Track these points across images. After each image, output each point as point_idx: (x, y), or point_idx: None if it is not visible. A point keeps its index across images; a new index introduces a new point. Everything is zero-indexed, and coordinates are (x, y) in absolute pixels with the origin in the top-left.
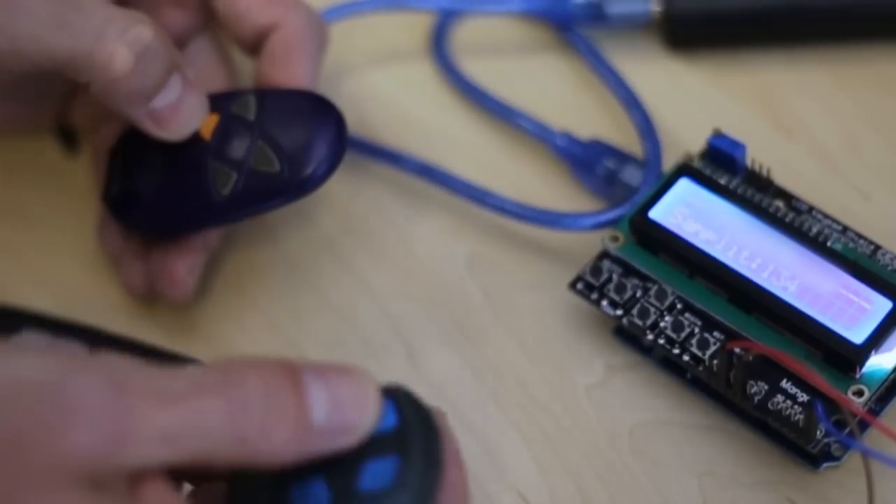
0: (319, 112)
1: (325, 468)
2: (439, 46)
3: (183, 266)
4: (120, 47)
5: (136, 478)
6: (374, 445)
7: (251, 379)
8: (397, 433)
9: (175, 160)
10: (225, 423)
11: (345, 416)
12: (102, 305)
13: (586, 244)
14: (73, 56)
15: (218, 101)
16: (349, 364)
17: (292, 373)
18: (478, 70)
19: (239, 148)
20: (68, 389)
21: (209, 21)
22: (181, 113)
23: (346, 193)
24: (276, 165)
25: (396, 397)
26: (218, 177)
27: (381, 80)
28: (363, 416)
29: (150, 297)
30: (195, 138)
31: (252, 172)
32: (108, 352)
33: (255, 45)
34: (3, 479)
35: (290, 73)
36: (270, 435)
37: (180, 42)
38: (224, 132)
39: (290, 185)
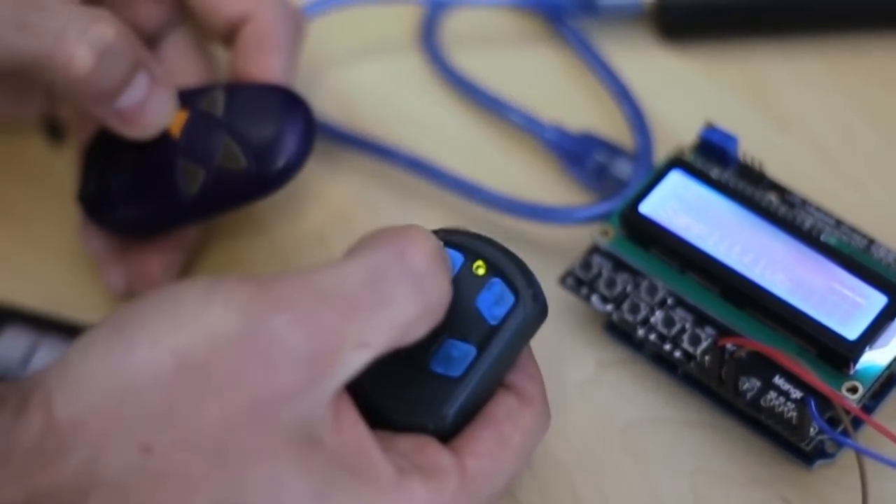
0: (287, 107)
1: (446, 327)
2: (428, 38)
3: (158, 265)
4: (80, 47)
5: (338, 409)
6: (465, 286)
7: (422, 250)
8: (475, 262)
9: (145, 159)
10: (413, 300)
11: (441, 263)
12: (88, 301)
13: (576, 238)
14: (34, 57)
15: (188, 98)
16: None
17: (404, 230)
18: (467, 62)
19: (207, 145)
20: (263, 339)
21: (185, 15)
22: (148, 111)
23: (334, 186)
24: (242, 162)
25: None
26: (186, 175)
27: (369, 73)
28: (446, 259)
29: (131, 297)
30: (164, 136)
31: (219, 170)
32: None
33: (228, 37)
34: (223, 448)
35: (263, 66)
36: (439, 299)
37: (155, 37)
38: (192, 129)
39: (257, 182)
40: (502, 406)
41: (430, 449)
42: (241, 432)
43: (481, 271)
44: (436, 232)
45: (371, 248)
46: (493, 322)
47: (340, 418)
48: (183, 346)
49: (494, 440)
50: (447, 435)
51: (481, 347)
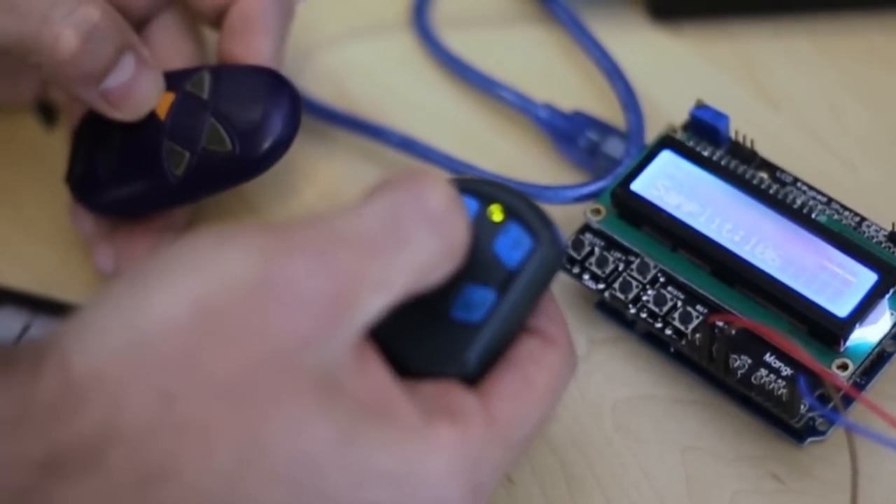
0: (272, 89)
1: (464, 274)
2: (420, 18)
3: (145, 246)
4: (65, 29)
5: (360, 353)
6: (482, 232)
7: (439, 191)
8: (489, 208)
9: (132, 141)
10: (433, 240)
11: (458, 206)
12: (79, 282)
13: (568, 217)
14: (20, 38)
15: (174, 80)
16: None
17: (417, 175)
18: (459, 41)
19: (192, 127)
20: (280, 281)
21: None
22: (134, 93)
23: (326, 165)
24: (227, 144)
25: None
26: (172, 157)
27: (361, 53)
28: (462, 205)
29: None
30: (151, 118)
31: (204, 152)
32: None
33: (216, 19)
34: (244, 395)
35: (250, 47)
36: (459, 239)
37: (144, 19)
38: (179, 111)
39: (242, 164)
40: (525, 349)
41: (455, 392)
42: (263, 378)
43: (497, 217)
44: (462, 185)
45: (387, 191)
46: (512, 265)
47: (363, 362)
48: (200, 293)
49: (519, 382)
50: (470, 380)
51: (501, 291)
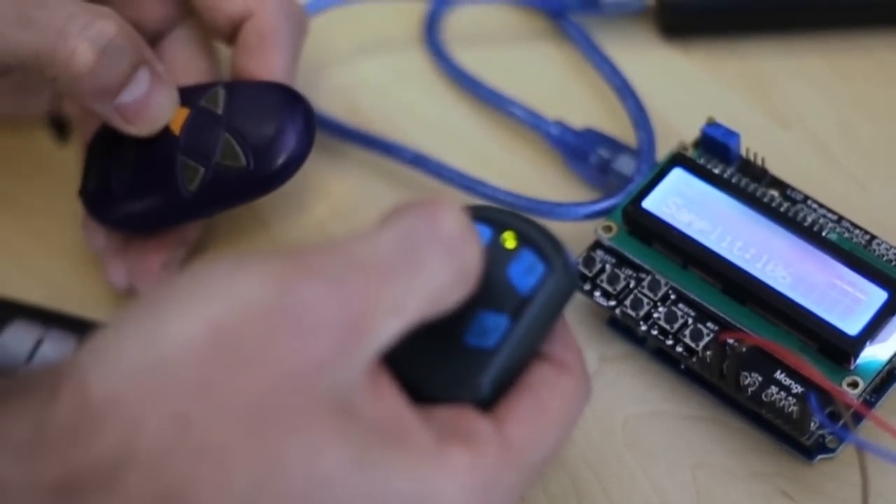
0: (286, 105)
1: (478, 300)
2: (432, 35)
3: (157, 261)
4: (81, 43)
5: (375, 377)
6: (495, 259)
7: (451, 218)
8: (502, 235)
9: (146, 156)
10: (446, 266)
11: (472, 234)
12: (91, 297)
13: (579, 234)
14: (36, 53)
15: (189, 95)
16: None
17: (428, 203)
18: (470, 59)
19: (206, 142)
20: (296, 306)
21: (188, 12)
22: (149, 108)
23: (337, 182)
24: (241, 160)
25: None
26: (186, 172)
27: (373, 69)
28: (476, 233)
29: (133, 294)
30: (165, 133)
31: (218, 167)
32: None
33: (230, 34)
34: (260, 418)
35: (264, 63)
36: (472, 264)
37: (159, 34)
38: (193, 126)
39: (256, 180)
40: (538, 374)
41: (469, 416)
42: (278, 402)
43: (510, 244)
44: (475, 213)
45: (401, 217)
46: (525, 291)
47: (377, 387)
48: (216, 317)
49: (533, 407)
50: (484, 405)
51: (514, 317)
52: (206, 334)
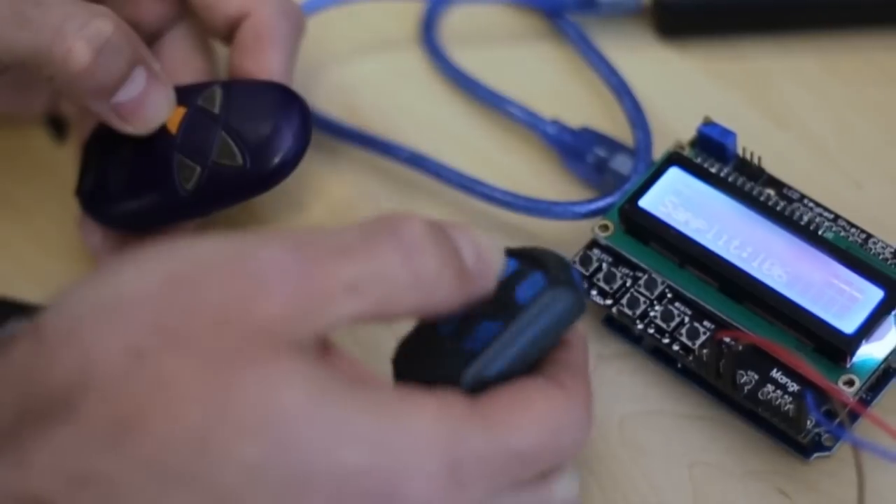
0: (283, 104)
1: (482, 310)
2: (429, 34)
3: None
4: (78, 42)
5: (325, 346)
6: (511, 282)
7: (415, 226)
8: (524, 265)
9: (143, 155)
10: (403, 264)
11: (487, 258)
12: None
13: (576, 233)
14: (33, 52)
15: (186, 94)
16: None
17: (436, 223)
18: (468, 58)
19: (203, 141)
20: (253, 260)
21: (186, 12)
22: (145, 107)
23: (335, 181)
24: (238, 159)
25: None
26: (182, 171)
27: (370, 69)
28: (497, 258)
29: None
30: (162, 132)
31: (215, 166)
32: None
33: (227, 34)
34: (215, 354)
35: (261, 63)
36: (441, 277)
37: (156, 33)
38: (190, 125)
39: (253, 179)
40: (529, 381)
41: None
42: (234, 341)
43: (526, 270)
44: (511, 250)
45: (371, 220)
46: (522, 301)
47: (329, 355)
48: (173, 269)
49: (513, 396)
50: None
51: (506, 322)
52: (160, 281)
